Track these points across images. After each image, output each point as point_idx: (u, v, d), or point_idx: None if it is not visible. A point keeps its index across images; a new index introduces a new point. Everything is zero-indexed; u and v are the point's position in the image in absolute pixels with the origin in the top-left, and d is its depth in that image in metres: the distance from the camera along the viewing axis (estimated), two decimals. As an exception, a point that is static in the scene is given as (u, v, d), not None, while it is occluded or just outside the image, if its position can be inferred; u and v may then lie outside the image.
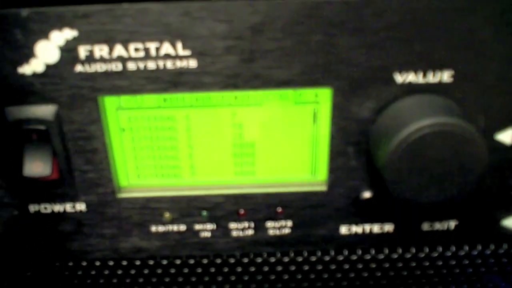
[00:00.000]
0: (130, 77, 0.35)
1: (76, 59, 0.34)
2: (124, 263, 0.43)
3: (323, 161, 0.39)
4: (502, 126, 0.37)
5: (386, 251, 0.44)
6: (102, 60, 0.34)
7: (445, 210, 0.40)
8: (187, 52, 0.34)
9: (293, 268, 0.44)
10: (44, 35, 0.33)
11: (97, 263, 0.43)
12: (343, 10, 0.33)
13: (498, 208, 0.41)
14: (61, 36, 0.33)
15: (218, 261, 0.43)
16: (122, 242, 0.42)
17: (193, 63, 0.34)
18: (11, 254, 0.42)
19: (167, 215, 0.40)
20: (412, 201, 0.35)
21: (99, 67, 0.34)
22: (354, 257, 0.44)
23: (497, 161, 0.38)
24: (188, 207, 0.40)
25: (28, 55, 0.34)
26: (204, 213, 0.41)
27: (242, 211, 0.40)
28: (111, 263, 0.43)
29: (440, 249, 0.43)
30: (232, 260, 0.43)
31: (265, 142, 0.39)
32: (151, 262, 0.43)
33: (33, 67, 0.34)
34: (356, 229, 0.42)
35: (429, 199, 0.35)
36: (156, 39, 0.33)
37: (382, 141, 0.34)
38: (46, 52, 0.34)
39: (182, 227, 0.41)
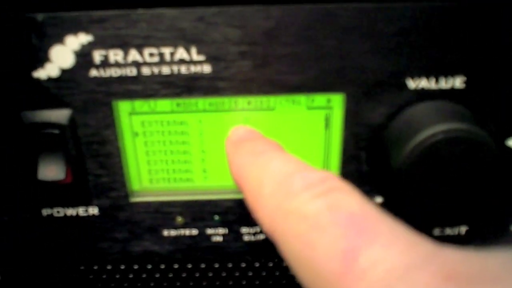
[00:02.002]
0: (144, 82, 0.35)
1: (90, 64, 0.34)
2: (136, 267, 0.44)
3: (335, 166, 0.39)
4: (514, 132, 0.37)
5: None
6: (117, 65, 0.34)
7: (456, 215, 0.40)
8: (201, 57, 0.34)
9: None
10: (59, 39, 0.33)
11: (109, 267, 0.43)
12: (357, 16, 0.33)
13: (508, 214, 0.41)
14: (76, 41, 0.33)
15: (230, 265, 0.44)
16: (134, 246, 0.42)
17: (207, 68, 0.34)
18: (22, 258, 0.42)
19: (179, 219, 0.41)
20: (424, 206, 0.35)
21: (113, 72, 0.34)
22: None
23: (508, 167, 0.38)
24: (200, 211, 0.40)
25: (43, 59, 0.34)
26: (216, 217, 0.41)
27: (254, 216, 0.41)
28: (122, 267, 0.43)
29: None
30: (243, 265, 0.44)
31: (277, 147, 0.39)
32: (162, 266, 0.44)
33: (48, 71, 0.34)
34: (367, 234, 0.42)
35: (442, 204, 0.35)
36: (171, 44, 0.34)
37: (395, 146, 0.34)
38: (61, 57, 0.34)
39: (194, 231, 0.41)
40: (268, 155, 0.30)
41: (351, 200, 0.24)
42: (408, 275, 0.19)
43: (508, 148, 0.37)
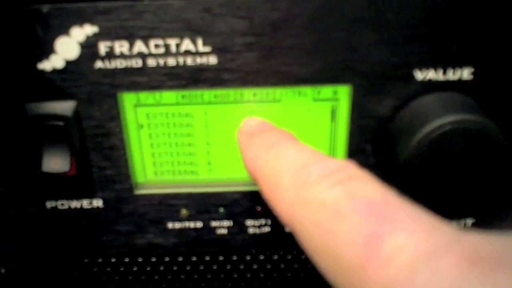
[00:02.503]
0: (150, 74, 0.35)
1: (96, 55, 0.34)
2: (140, 259, 0.43)
3: (341, 158, 0.39)
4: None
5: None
6: (122, 56, 0.34)
7: (463, 208, 0.40)
8: (207, 49, 0.34)
9: (309, 265, 0.44)
10: (65, 31, 0.33)
11: (113, 260, 0.43)
12: (364, 7, 0.33)
13: (515, 206, 0.41)
14: (81, 32, 0.33)
15: (234, 258, 0.43)
16: (138, 239, 0.42)
17: (213, 60, 0.34)
18: (26, 251, 0.42)
19: (183, 211, 0.40)
20: (431, 198, 0.35)
21: (119, 64, 0.34)
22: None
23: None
24: (205, 204, 0.40)
25: (48, 51, 0.34)
26: (221, 210, 0.41)
27: (259, 208, 0.40)
28: (127, 259, 0.43)
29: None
30: (248, 257, 0.43)
31: (283, 139, 0.39)
32: (167, 259, 0.43)
33: (53, 63, 0.34)
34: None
35: (449, 196, 0.35)
36: (177, 36, 0.33)
37: (402, 138, 0.34)
38: (66, 48, 0.34)
39: (199, 224, 0.41)
40: (282, 145, 0.29)
41: (369, 187, 0.23)
42: (433, 260, 0.18)
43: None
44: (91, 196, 0.39)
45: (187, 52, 0.34)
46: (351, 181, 0.24)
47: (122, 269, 0.44)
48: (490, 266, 0.17)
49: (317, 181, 0.25)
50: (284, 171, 0.27)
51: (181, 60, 0.34)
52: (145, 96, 0.37)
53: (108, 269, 0.44)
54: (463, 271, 0.18)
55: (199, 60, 0.34)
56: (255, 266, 0.44)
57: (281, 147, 0.29)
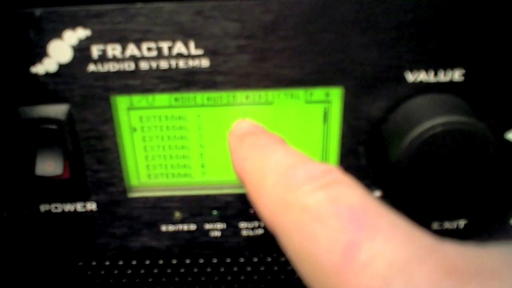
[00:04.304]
0: (143, 77, 0.35)
1: (89, 59, 0.34)
2: (134, 262, 0.43)
3: (333, 160, 0.39)
4: (512, 125, 0.37)
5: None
6: (115, 59, 0.34)
7: (455, 209, 0.40)
8: (200, 52, 0.34)
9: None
10: (57, 34, 0.33)
11: (107, 263, 0.43)
12: (355, 9, 0.33)
13: (507, 207, 0.41)
14: (74, 36, 0.33)
15: (228, 260, 0.43)
16: (132, 242, 0.42)
17: (205, 63, 0.34)
18: (20, 254, 0.42)
19: (177, 214, 0.41)
20: (423, 199, 0.35)
21: (111, 67, 0.34)
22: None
23: (507, 160, 0.38)
24: (198, 207, 0.40)
25: (41, 54, 0.34)
26: (215, 212, 0.41)
27: (252, 211, 0.41)
28: (121, 262, 0.43)
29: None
30: (242, 260, 0.44)
31: (276, 141, 0.39)
32: (161, 262, 0.43)
33: (46, 66, 0.34)
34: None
35: (441, 197, 0.35)
36: (169, 39, 0.34)
37: (394, 139, 0.34)
38: (59, 52, 0.34)
39: (192, 227, 0.41)
40: (270, 148, 0.29)
41: (352, 193, 0.23)
42: (408, 269, 0.19)
43: (507, 141, 0.37)
44: (84, 199, 0.40)
45: (180, 55, 0.34)
46: (335, 185, 0.24)
47: (116, 272, 0.44)
48: (463, 277, 0.17)
49: (301, 185, 0.25)
50: (269, 173, 0.27)
51: (173, 63, 0.34)
52: (138, 99, 0.37)
53: (102, 272, 0.44)
54: (437, 281, 0.18)
55: (192, 63, 0.34)
56: (249, 268, 0.44)
57: (269, 150, 0.29)
